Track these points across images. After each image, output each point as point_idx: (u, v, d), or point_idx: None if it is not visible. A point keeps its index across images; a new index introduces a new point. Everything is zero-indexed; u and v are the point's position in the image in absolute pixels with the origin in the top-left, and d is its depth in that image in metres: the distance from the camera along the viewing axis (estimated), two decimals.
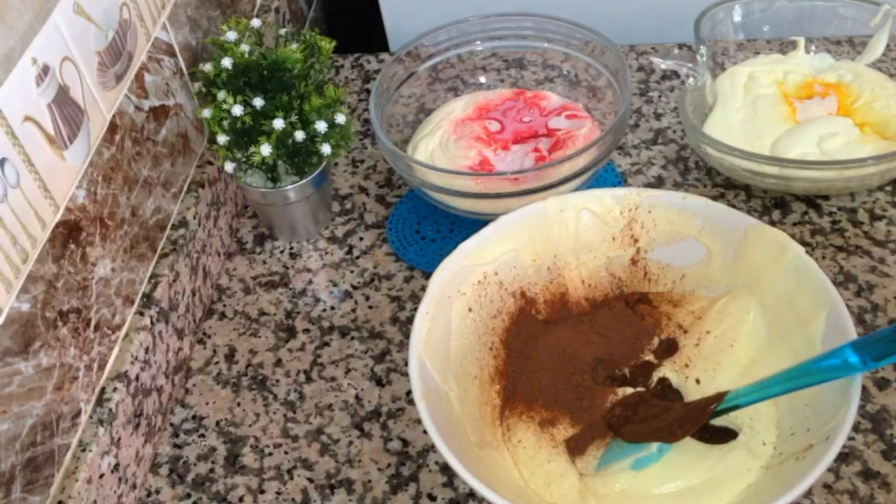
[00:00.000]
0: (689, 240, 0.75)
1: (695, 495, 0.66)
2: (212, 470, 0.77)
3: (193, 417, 0.81)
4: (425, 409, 0.64)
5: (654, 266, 0.79)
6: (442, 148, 0.93)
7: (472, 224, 0.80)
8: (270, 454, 0.78)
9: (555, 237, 0.78)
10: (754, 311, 0.73)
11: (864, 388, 0.76)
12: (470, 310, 0.74)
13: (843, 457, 0.72)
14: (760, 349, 0.72)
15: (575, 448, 0.70)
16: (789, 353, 0.70)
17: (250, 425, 0.80)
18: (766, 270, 0.72)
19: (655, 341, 0.75)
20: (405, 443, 0.77)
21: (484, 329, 0.75)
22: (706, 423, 0.68)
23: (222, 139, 0.83)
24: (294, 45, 0.85)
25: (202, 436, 0.79)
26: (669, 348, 0.75)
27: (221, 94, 0.83)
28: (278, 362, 0.84)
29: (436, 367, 0.69)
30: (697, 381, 0.72)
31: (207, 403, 0.82)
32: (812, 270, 0.69)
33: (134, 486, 0.75)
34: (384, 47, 1.18)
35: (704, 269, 0.76)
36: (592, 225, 0.78)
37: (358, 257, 0.92)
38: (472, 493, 0.73)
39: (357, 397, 0.80)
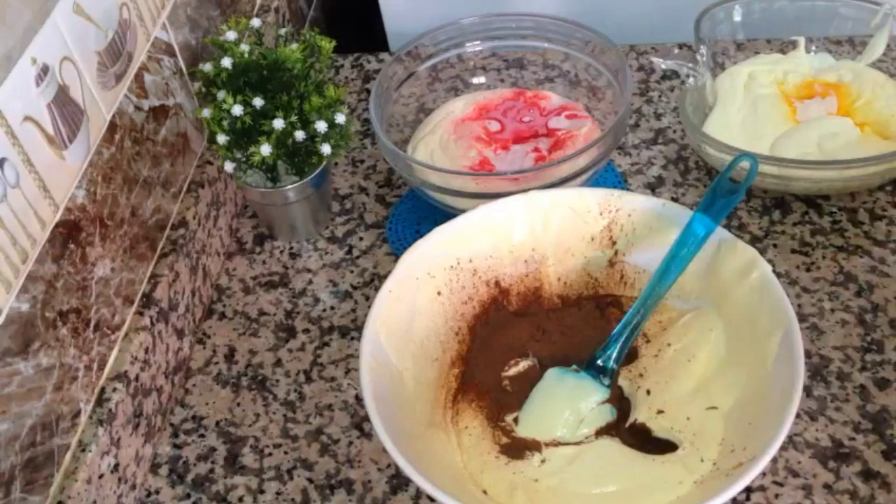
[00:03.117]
0: (667, 247, 0.75)
1: (622, 500, 0.67)
2: (212, 470, 0.77)
3: (193, 417, 0.81)
4: (369, 382, 0.66)
5: (631, 270, 0.79)
6: (442, 148, 0.93)
7: None
8: (270, 454, 0.77)
9: (534, 231, 0.78)
10: (717, 330, 0.73)
11: (863, 388, 0.76)
12: (439, 293, 0.76)
13: (844, 457, 0.72)
14: (717, 368, 0.73)
15: (513, 452, 0.71)
16: (743, 372, 0.70)
17: (250, 425, 0.80)
18: (733, 286, 0.72)
19: None
20: None
21: (453, 313, 0.77)
22: (648, 435, 0.70)
23: (222, 139, 0.83)
24: (294, 45, 0.85)
25: (202, 436, 0.79)
26: (628, 356, 0.75)
27: (221, 94, 0.83)
28: (278, 362, 0.84)
29: (392, 345, 0.70)
30: (648, 392, 0.73)
31: (207, 403, 0.82)
32: (775, 289, 0.70)
33: (134, 487, 0.75)
34: (384, 47, 1.17)
35: (678, 280, 0.75)
36: (572, 224, 0.78)
37: (358, 257, 0.92)
38: None
39: (357, 397, 0.80)
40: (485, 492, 0.68)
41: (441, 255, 0.75)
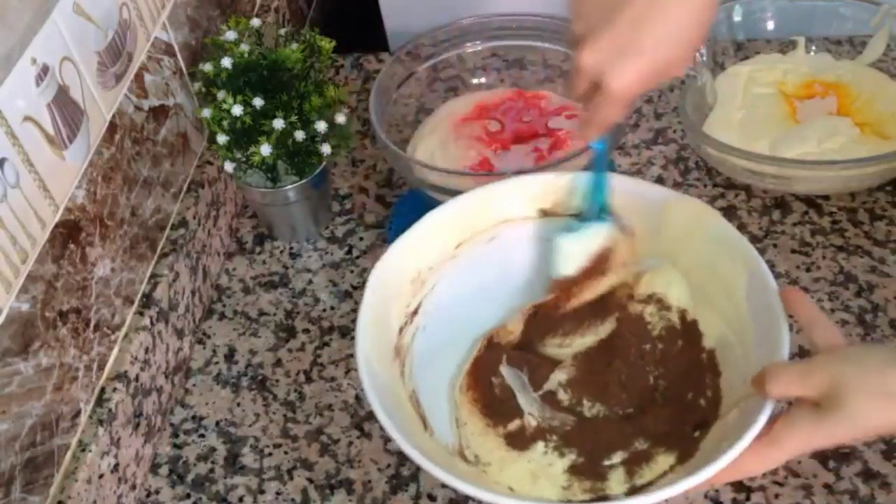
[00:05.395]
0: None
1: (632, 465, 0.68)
2: (212, 470, 0.77)
3: (193, 417, 0.81)
4: (371, 389, 0.64)
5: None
6: (442, 148, 0.93)
7: None
8: (270, 454, 0.77)
9: (482, 224, 0.77)
10: (676, 284, 0.74)
11: None
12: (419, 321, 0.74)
13: (844, 457, 0.72)
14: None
15: (519, 443, 0.71)
16: (718, 316, 0.71)
17: (250, 425, 0.80)
18: (685, 238, 0.73)
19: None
20: None
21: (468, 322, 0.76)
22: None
23: (222, 139, 0.83)
24: (294, 45, 0.85)
25: (202, 436, 0.79)
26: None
27: (221, 94, 0.83)
28: (278, 362, 0.84)
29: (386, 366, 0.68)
30: None
31: (207, 403, 0.82)
32: (730, 234, 0.71)
33: (133, 487, 0.75)
34: (384, 47, 1.17)
35: (633, 243, 0.76)
36: (516, 212, 0.77)
37: (358, 257, 0.92)
38: None
39: (357, 397, 0.80)
40: (511, 488, 0.68)
41: (406, 271, 0.74)
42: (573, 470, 0.69)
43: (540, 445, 0.70)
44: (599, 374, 0.73)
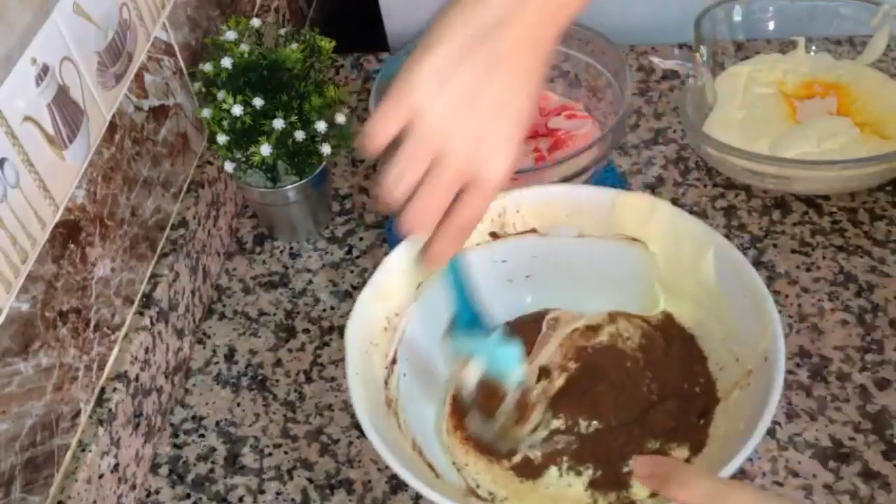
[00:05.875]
0: (559, 227, 0.75)
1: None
2: (212, 470, 0.77)
3: (193, 417, 0.81)
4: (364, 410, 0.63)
5: None
6: None
7: None
8: (270, 454, 0.77)
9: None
10: (640, 279, 0.75)
11: (863, 388, 0.76)
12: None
13: (844, 457, 0.72)
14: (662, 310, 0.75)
15: (531, 472, 0.69)
16: (690, 303, 0.72)
17: (250, 425, 0.80)
18: (642, 234, 0.73)
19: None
20: None
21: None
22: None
23: (222, 139, 0.83)
24: (294, 45, 0.85)
25: (202, 436, 0.79)
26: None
27: (221, 94, 0.83)
28: (278, 362, 0.84)
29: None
30: None
31: (207, 404, 0.82)
32: (685, 219, 0.71)
33: (134, 487, 0.75)
34: (384, 47, 1.17)
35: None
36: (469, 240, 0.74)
37: (358, 257, 0.92)
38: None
39: None
40: None
41: (376, 320, 0.71)
42: (594, 485, 0.67)
43: (553, 470, 0.69)
44: (587, 395, 0.72)
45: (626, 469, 0.68)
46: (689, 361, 0.72)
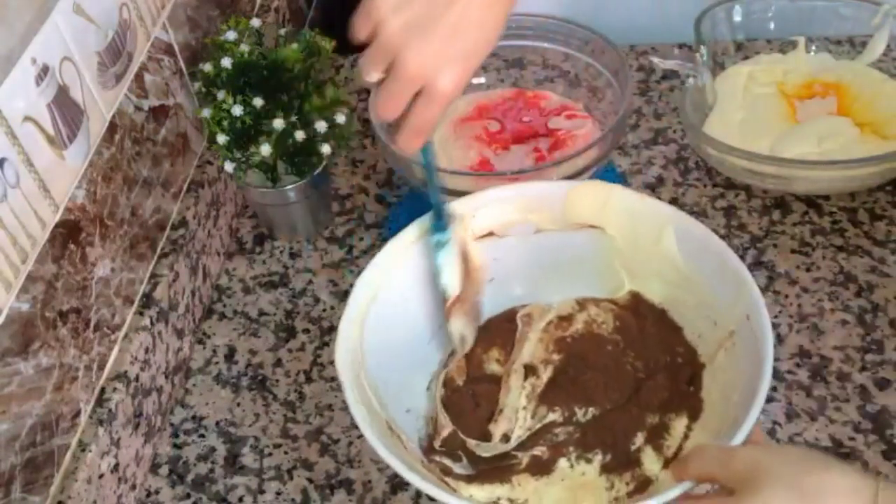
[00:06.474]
0: (517, 226, 0.76)
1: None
2: (212, 470, 0.77)
3: (193, 417, 0.81)
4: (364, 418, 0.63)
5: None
6: (442, 148, 0.92)
7: None
8: (270, 454, 0.77)
9: (401, 277, 0.74)
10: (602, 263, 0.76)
11: (863, 388, 0.76)
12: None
13: (844, 457, 0.72)
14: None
15: (542, 469, 0.69)
16: (658, 279, 0.74)
17: (250, 425, 0.80)
18: (598, 221, 0.74)
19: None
20: None
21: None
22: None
23: (222, 139, 0.83)
24: (294, 45, 0.85)
25: (202, 436, 0.79)
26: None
27: (221, 94, 0.83)
28: (278, 362, 0.84)
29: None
30: None
31: (207, 403, 0.82)
32: (639, 199, 0.72)
33: (133, 487, 0.75)
34: None
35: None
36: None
37: (358, 257, 0.92)
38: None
39: None
40: None
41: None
42: (607, 469, 0.68)
43: (563, 462, 0.69)
44: (577, 384, 0.73)
45: (633, 448, 0.68)
46: (665, 335, 0.73)
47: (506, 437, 0.71)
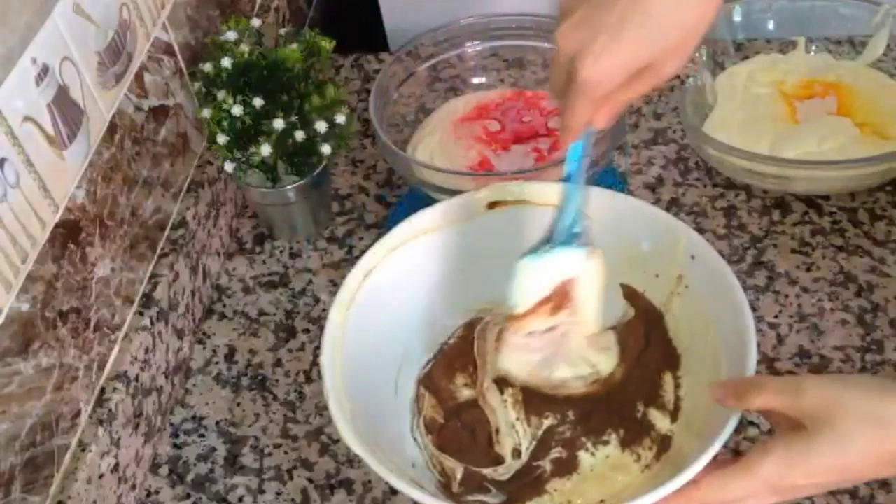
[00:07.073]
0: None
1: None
2: (212, 470, 0.77)
3: (193, 417, 0.81)
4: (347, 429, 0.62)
5: None
6: (442, 148, 0.93)
7: None
8: (270, 454, 0.77)
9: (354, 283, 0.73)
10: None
11: None
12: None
13: None
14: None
15: (566, 467, 0.69)
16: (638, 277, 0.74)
17: (250, 425, 0.80)
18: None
19: None
20: None
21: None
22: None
23: (222, 139, 0.83)
24: (294, 45, 0.85)
25: (202, 436, 0.79)
26: None
27: (221, 94, 0.83)
28: (278, 362, 0.84)
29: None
30: None
31: (207, 404, 0.82)
32: (618, 198, 0.73)
33: (134, 487, 0.75)
34: (384, 47, 1.17)
35: None
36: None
37: (358, 257, 0.91)
38: None
39: None
40: (602, 501, 0.67)
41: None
42: (626, 443, 0.69)
43: (583, 454, 0.69)
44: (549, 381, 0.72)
45: (640, 415, 0.69)
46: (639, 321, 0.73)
47: (516, 453, 0.70)
